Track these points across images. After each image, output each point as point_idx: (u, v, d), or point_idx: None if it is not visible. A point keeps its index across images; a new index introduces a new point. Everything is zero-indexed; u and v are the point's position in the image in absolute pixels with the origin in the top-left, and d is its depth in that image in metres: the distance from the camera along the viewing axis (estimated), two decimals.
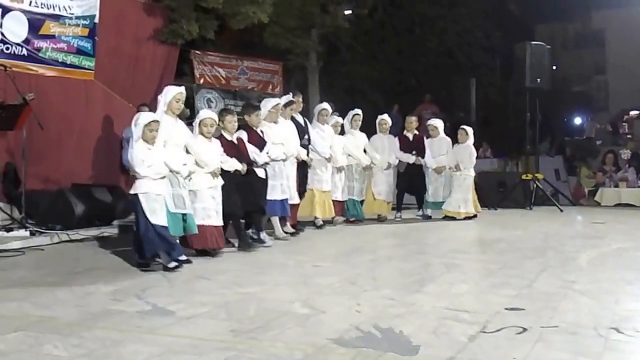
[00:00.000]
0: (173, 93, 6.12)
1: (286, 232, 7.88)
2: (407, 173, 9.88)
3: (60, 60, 9.60)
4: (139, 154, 5.65)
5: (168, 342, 3.55)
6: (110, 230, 7.94)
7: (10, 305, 4.44)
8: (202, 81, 12.98)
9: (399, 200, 10.09)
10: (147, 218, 5.65)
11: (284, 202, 7.69)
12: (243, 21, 11.39)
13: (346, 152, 9.25)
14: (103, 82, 10.13)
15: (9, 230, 7.18)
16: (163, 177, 5.79)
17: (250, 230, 7.39)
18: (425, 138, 10.12)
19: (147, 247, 5.68)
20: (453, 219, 9.68)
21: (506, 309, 4.26)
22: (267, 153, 7.30)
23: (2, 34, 8.85)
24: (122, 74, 10.63)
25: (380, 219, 9.64)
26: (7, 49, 8.92)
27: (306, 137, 8.42)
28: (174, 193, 5.97)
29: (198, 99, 12.68)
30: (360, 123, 9.59)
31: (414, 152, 9.86)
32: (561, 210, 11.31)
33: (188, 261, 5.92)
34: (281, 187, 7.63)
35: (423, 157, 9.92)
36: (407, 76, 19.79)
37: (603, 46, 35.11)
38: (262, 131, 7.39)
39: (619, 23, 30.33)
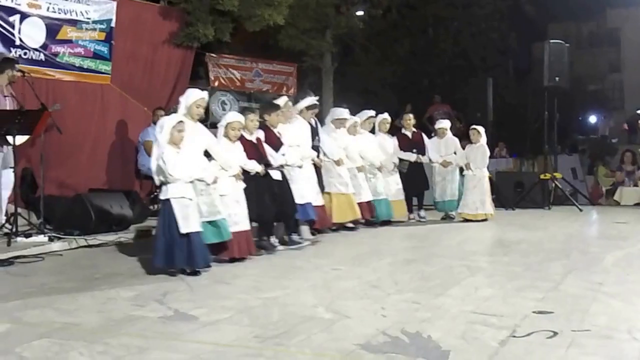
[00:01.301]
0: (195, 98, 6.02)
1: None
2: (409, 172, 9.69)
3: (77, 65, 9.63)
4: (169, 158, 5.51)
5: (193, 349, 3.50)
6: (127, 236, 7.89)
7: (33, 312, 4.40)
8: (216, 84, 12.97)
9: (409, 201, 9.87)
10: (177, 225, 5.48)
11: (305, 206, 7.46)
12: (258, 23, 11.35)
13: (362, 153, 9.04)
14: (119, 86, 10.13)
15: (28, 235, 7.16)
16: (192, 181, 5.67)
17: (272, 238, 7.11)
18: (426, 137, 10.05)
19: (159, 257, 5.53)
20: (470, 221, 9.54)
21: (534, 312, 4.18)
22: (283, 155, 7.11)
23: (21, 40, 8.89)
24: (137, 78, 10.63)
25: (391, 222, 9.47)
26: (25, 54, 8.95)
27: (317, 138, 8.23)
28: (205, 200, 5.84)
29: (212, 102, 12.66)
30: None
31: (414, 150, 9.73)
32: (580, 210, 11.19)
33: (208, 266, 5.79)
34: (300, 191, 7.38)
35: (423, 155, 9.80)
36: (420, 77, 19.71)
37: (618, 45, 34.92)
38: (279, 132, 7.24)
39: (634, 21, 30.07)
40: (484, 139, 9.94)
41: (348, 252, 7.25)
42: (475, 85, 13.18)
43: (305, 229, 7.63)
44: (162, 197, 5.62)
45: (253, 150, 6.69)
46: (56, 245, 7.09)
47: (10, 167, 7.62)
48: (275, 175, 7.00)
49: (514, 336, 3.65)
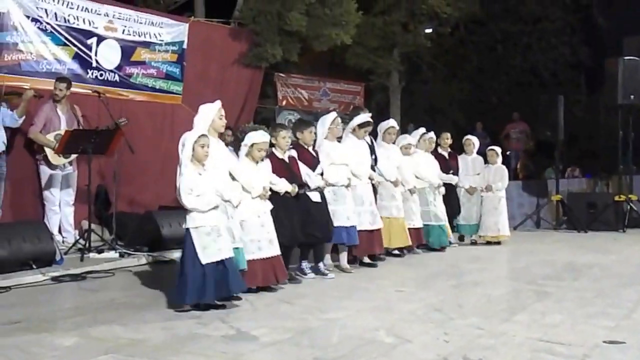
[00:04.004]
0: (214, 110, 5.49)
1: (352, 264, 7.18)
2: (445, 195, 9.14)
3: (149, 86, 9.95)
4: (187, 182, 4.98)
5: None
6: None
7: (101, 326, 4.54)
8: (284, 103, 13.14)
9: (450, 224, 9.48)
10: (197, 257, 4.96)
11: (352, 229, 6.92)
12: (326, 43, 11.44)
13: (418, 173, 8.65)
14: (190, 105, 10.35)
15: (100, 251, 7.40)
16: (215, 207, 5.11)
17: (304, 263, 6.64)
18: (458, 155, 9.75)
19: (189, 294, 4.94)
20: (490, 244, 9.40)
21: (605, 342, 4.03)
22: (321, 175, 6.63)
23: (97, 61, 9.25)
24: (207, 98, 10.70)
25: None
26: (101, 75, 9.31)
27: (373, 157, 7.79)
28: (234, 223, 5.47)
29: (280, 120, 12.81)
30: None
31: (451, 172, 9.40)
32: None
33: (223, 306, 5.12)
34: (345, 212, 6.87)
35: (457, 176, 9.52)
36: (488, 94, 19.43)
37: None
38: (315, 150, 6.80)
39: None
40: (500, 159, 9.83)
41: (412, 273, 7.15)
42: (545, 102, 12.87)
43: (342, 256, 7.11)
44: (184, 225, 5.14)
45: (283, 170, 6.23)
46: (126, 261, 7.29)
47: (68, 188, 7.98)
48: (315, 197, 6.53)
49: None
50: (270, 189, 5.97)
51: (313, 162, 6.65)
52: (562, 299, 5.52)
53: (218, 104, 5.60)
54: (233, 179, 5.67)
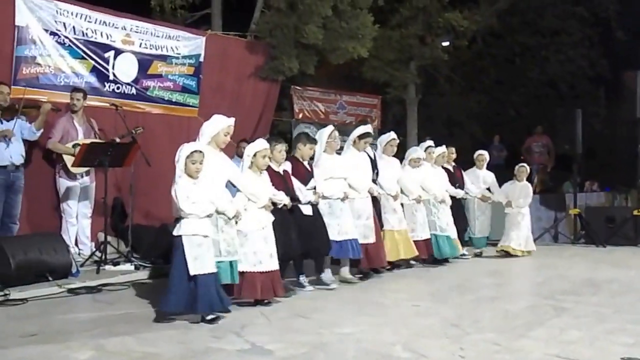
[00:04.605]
0: (223, 125, 5.60)
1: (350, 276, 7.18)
2: (453, 209, 9.12)
3: (166, 98, 10.00)
4: (183, 190, 5.11)
5: None
6: None
7: (115, 339, 4.54)
8: (300, 115, 13.16)
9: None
10: (186, 266, 5.01)
11: (348, 242, 6.89)
12: (342, 56, 11.46)
13: (423, 185, 8.63)
14: (206, 118, 10.28)
15: (116, 264, 7.42)
16: (210, 215, 5.21)
17: (302, 277, 6.70)
18: (462, 170, 9.80)
19: (171, 302, 5.05)
20: (507, 254, 9.43)
21: (623, 358, 3.98)
22: (314, 190, 6.65)
23: (114, 74, 9.32)
24: (224, 110, 10.72)
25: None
26: (118, 88, 9.38)
27: (376, 171, 7.77)
28: (225, 237, 5.46)
29: (296, 133, 12.83)
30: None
31: (457, 185, 9.43)
32: None
33: (218, 318, 5.13)
34: (338, 227, 6.85)
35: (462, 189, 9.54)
36: (506, 107, 19.35)
37: None
38: (310, 165, 6.84)
39: None
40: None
41: (428, 287, 7.11)
42: (563, 115, 12.76)
43: (344, 270, 7.17)
44: (175, 232, 5.16)
45: (280, 183, 6.27)
46: (142, 274, 7.30)
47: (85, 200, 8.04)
48: (306, 210, 6.58)
49: None
50: (272, 201, 6.01)
51: (306, 177, 6.70)
52: (580, 315, 5.45)
53: (229, 120, 5.67)
54: (236, 189, 5.73)
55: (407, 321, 5.21)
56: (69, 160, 7.86)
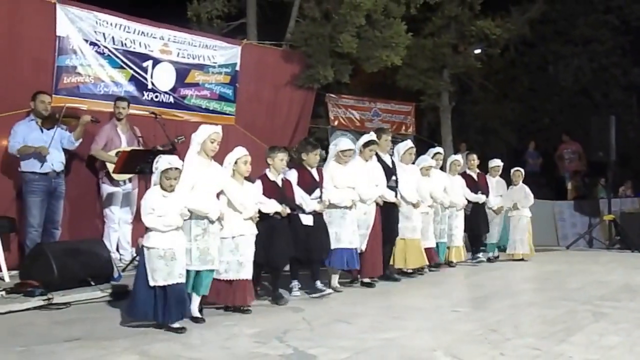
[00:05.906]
0: (208, 132, 5.53)
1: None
2: (473, 214, 9.54)
3: (203, 107, 10.12)
4: (149, 202, 5.08)
5: None
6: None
7: (160, 345, 4.60)
8: (336, 123, 13.22)
9: (473, 242, 9.87)
10: (146, 277, 5.02)
11: (349, 251, 6.92)
12: (376, 65, 11.49)
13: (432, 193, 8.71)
14: (243, 126, 10.52)
15: None
16: (177, 229, 5.13)
17: (294, 282, 6.69)
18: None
19: (136, 310, 5.08)
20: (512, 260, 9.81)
21: None
22: (319, 200, 6.65)
23: (153, 84, 9.46)
24: (260, 119, 11.00)
25: (450, 265, 9.23)
26: (157, 97, 9.51)
27: (393, 178, 7.74)
28: (199, 245, 5.41)
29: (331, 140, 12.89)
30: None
31: (480, 192, 9.62)
32: None
33: (183, 329, 5.05)
34: (336, 235, 6.85)
35: (487, 196, 9.76)
36: (540, 115, 19.23)
37: None
38: (319, 171, 6.85)
39: None
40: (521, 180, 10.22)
41: (468, 293, 7.12)
42: (597, 122, 12.66)
43: (334, 278, 7.13)
44: (140, 241, 5.23)
45: (274, 192, 6.23)
46: None
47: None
48: (306, 220, 6.55)
49: None
50: (259, 210, 5.96)
51: (312, 185, 6.68)
52: (619, 320, 5.42)
53: (215, 128, 5.62)
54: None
55: (447, 327, 5.22)
56: (112, 167, 8.00)
